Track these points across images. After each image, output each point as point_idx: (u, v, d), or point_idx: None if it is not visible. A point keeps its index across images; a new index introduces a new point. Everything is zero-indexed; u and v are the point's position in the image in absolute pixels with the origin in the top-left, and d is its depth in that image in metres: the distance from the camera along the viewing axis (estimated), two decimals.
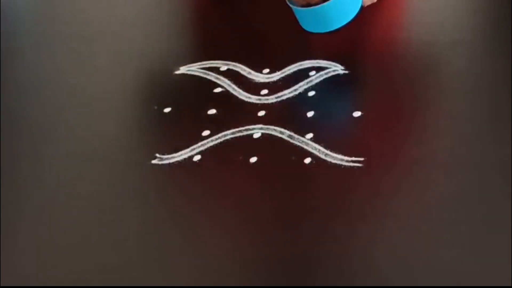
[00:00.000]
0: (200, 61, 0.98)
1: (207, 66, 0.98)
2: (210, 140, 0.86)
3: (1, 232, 0.78)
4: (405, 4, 1.04)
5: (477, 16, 1.02)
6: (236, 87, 0.93)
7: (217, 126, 0.87)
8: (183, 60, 0.99)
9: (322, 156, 0.81)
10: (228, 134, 0.86)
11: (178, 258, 0.73)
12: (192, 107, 0.92)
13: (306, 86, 0.91)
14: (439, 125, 0.85)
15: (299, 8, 0.92)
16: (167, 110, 0.91)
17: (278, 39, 1.03)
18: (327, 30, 0.91)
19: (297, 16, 0.94)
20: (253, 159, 0.82)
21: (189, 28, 1.12)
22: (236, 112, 0.89)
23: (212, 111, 0.90)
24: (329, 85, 0.91)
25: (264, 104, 0.89)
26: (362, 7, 0.91)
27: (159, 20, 1.16)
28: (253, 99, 0.91)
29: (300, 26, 0.96)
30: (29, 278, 0.73)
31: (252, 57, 0.98)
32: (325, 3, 0.89)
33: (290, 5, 0.93)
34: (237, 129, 0.86)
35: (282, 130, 0.85)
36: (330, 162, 0.80)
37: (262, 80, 0.93)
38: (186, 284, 0.70)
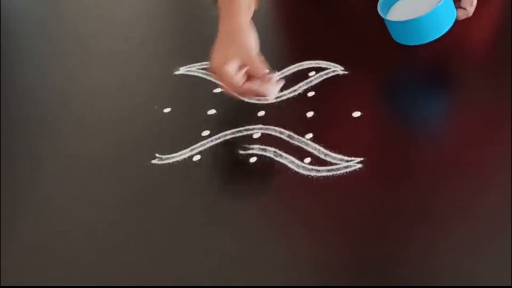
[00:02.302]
0: (200, 61, 0.98)
1: (207, 66, 0.97)
2: (210, 140, 0.86)
3: (1, 232, 0.78)
4: None
5: None
6: None
7: (217, 126, 0.87)
8: (183, 60, 1.00)
9: (322, 156, 0.81)
10: (228, 134, 0.86)
11: (177, 257, 0.73)
12: (192, 107, 0.92)
13: (305, 87, 0.91)
14: (439, 126, 0.85)
15: (392, 21, 0.89)
16: (167, 110, 0.91)
17: (277, 39, 1.03)
18: (420, 43, 0.89)
19: (389, 28, 0.91)
20: (253, 159, 0.82)
21: (188, 28, 1.13)
22: (236, 112, 0.89)
23: (212, 111, 0.90)
24: (329, 85, 0.90)
25: (264, 104, 0.89)
26: (456, 21, 0.89)
27: (159, 20, 1.16)
28: (252, 99, 0.90)
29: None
30: (29, 278, 0.73)
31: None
32: (419, 17, 0.86)
33: (383, 17, 0.90)
34: (237, 129, 0.86)
35: (282, 130, 0.85)
36: (330, 162, 0.80)
37: None
38: (185, 283, 0.70)
